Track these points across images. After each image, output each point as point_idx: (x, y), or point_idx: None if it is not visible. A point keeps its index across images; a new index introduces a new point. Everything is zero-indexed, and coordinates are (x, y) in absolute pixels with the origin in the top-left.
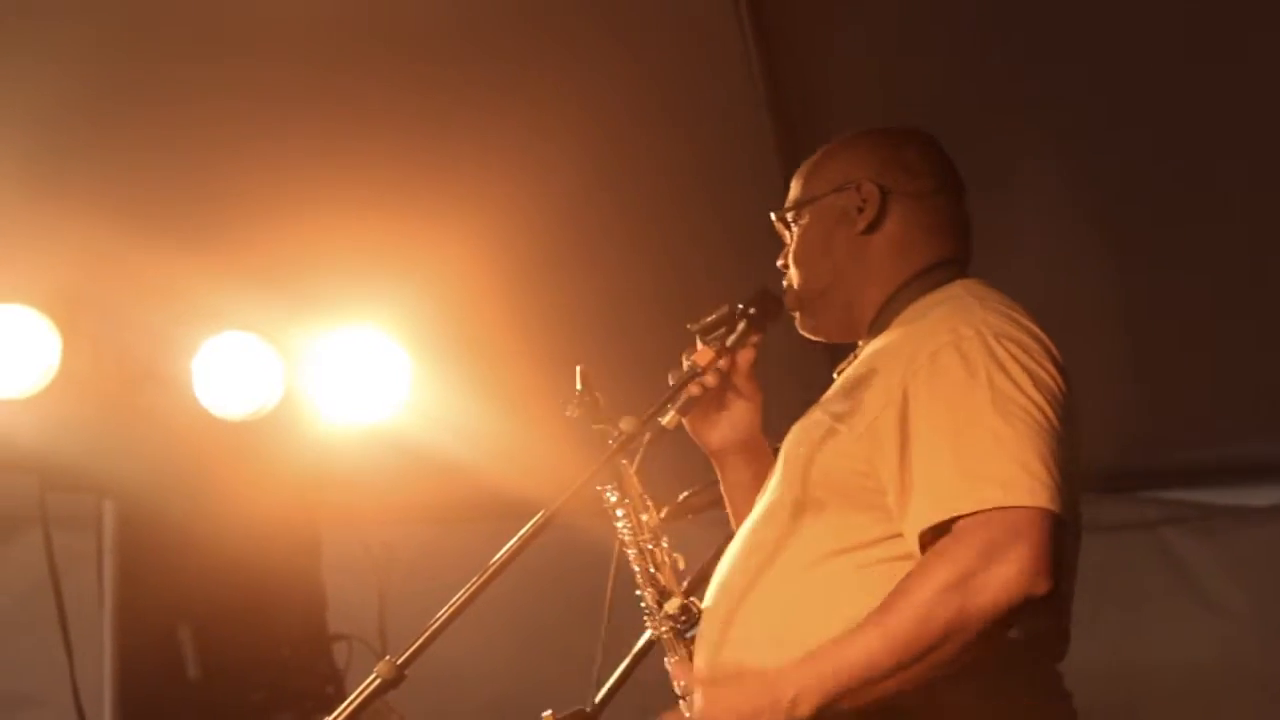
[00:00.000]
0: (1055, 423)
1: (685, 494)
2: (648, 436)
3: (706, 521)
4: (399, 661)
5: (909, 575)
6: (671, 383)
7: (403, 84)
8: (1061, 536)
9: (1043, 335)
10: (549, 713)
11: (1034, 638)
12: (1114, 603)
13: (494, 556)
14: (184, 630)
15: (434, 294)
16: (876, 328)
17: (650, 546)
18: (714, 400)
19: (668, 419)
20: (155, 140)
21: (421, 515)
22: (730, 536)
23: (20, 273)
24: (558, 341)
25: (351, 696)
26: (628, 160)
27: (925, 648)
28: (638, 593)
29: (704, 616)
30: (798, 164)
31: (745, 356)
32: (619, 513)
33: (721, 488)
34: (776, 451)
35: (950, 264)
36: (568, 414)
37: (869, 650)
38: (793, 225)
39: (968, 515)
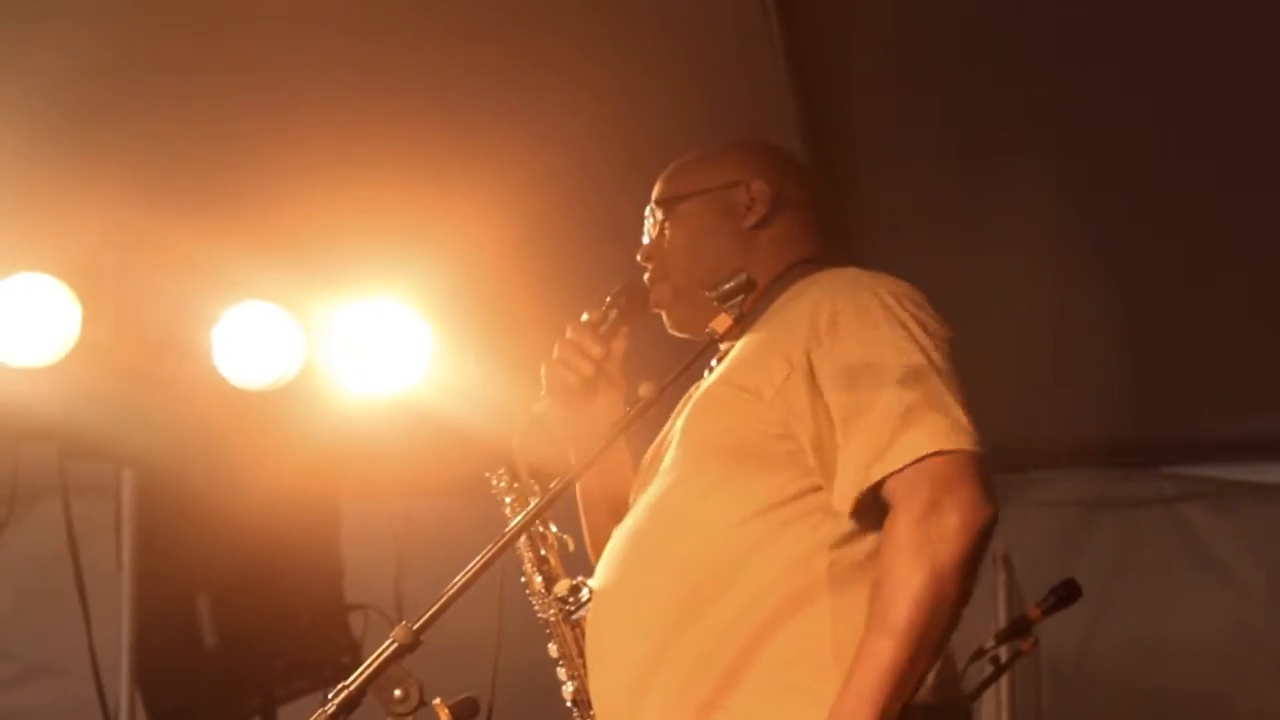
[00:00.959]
0: (952, 367)
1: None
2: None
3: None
4: (415, 626)
5: (879, 568)
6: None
7: (426, 53)
8: (986, 468)
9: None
10: (438, 700)
11: None
12: (1132, 577)
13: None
14: (202, 599)
15: (455, 265)
16: (750, 317)
17: (539, 529)
18: (585, 387)
19: (540, 406)
20: (177, 110)
21: (440, 486)
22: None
23: (41, 242)
24: (578, 312)
25: (368, 660)
26: (651, 132)
27: (927, 622)
28: (523, 578)
29: (595, 597)
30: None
31: (618, 345)
32: (507, 499)
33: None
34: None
35: (818, 261)
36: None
37: (886, 657)
38: (666, 221)
39: (896, 472)
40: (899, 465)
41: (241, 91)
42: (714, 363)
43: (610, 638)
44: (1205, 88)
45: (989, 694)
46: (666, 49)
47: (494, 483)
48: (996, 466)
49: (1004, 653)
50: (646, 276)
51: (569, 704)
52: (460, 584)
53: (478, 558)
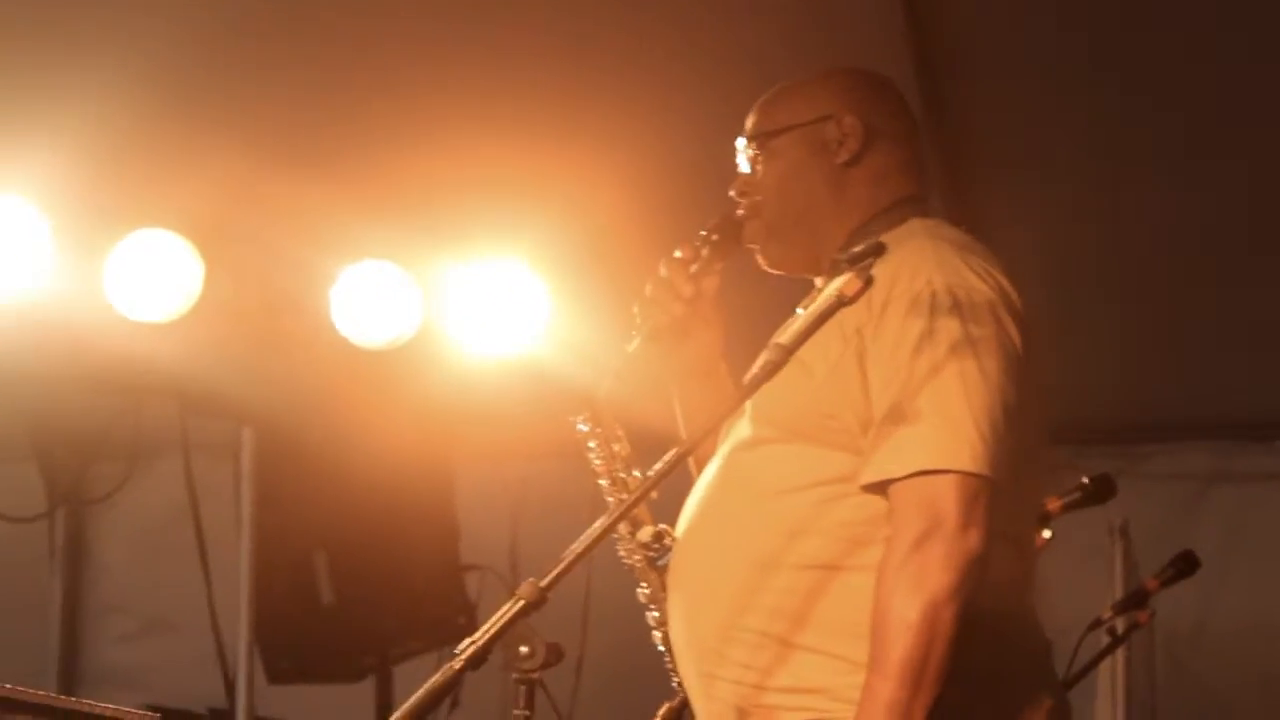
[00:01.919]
0: (998, 377)
1: None
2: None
3: None
4: (542, 584)
5: (875, 596)
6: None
7: (546, 11)
8: (987, 493)
9: (1001, 281)
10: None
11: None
12: (1247, 552)
13: None
14: (319, 557)
15: (574, 224)
16: (836, 265)
17: (623, 475)
18: (678, 327)
19: (632, 346)
20: (297, 70)
21: (556, 449)
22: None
23: (166, 199)
24: (665, 257)
25: (496, 616)
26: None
27: (923, 658)
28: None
29: (676, 545)
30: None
31: (711, 283)
32: (591, 444)
33: (679, 416)
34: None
35: (913, 201)
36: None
37: (884, 696)
38: (759, 154)
39: (899, 480)
40: (899, 474)
41: (362, 52)
42: (799, 309)
43: (689, 588)
44: None
45: (1105, 665)
46: (789, 7)
47: (578, 428)
48: (1114, 439)
49: (1120, 624)
50: (740, 211)
51: (660, 648)
52: (587, 543)
53: (604, 516)
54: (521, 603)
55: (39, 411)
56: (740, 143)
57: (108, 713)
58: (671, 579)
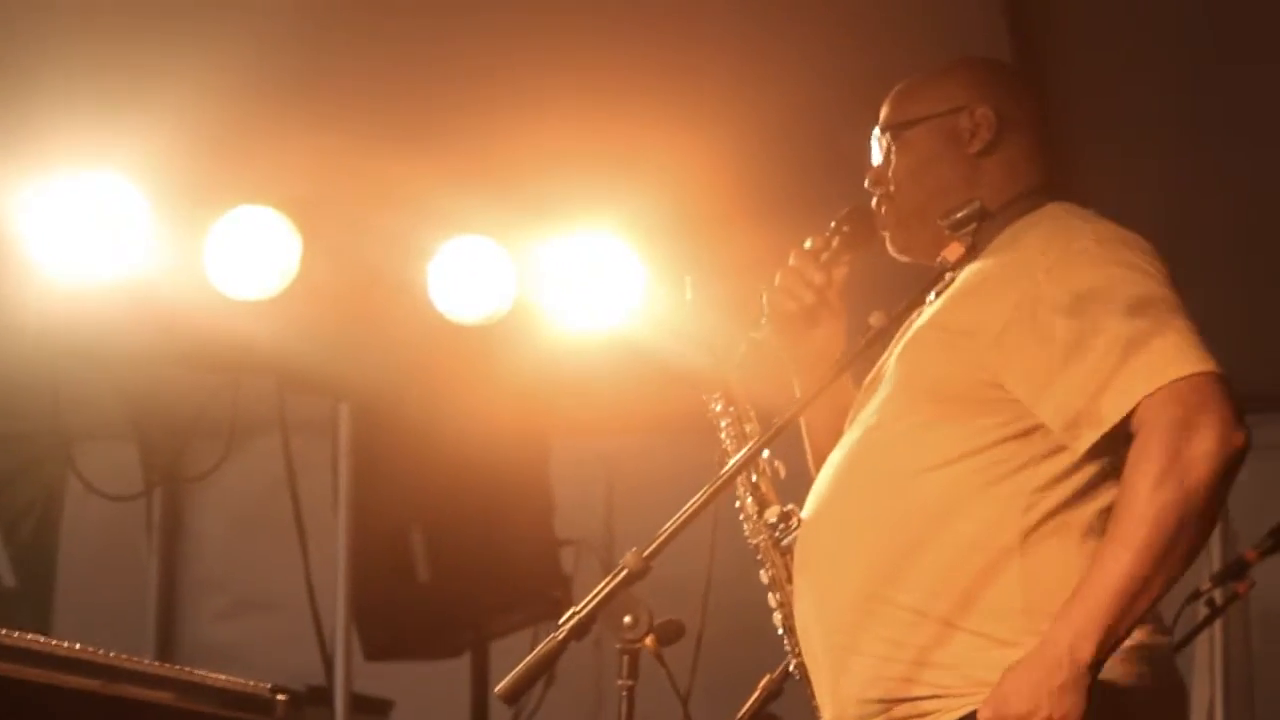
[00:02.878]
0: (1181, 301)
1: None
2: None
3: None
4: (645, 554)
5: (1123, 486)
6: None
7: None
8: (1233, 392)
9: (1147, 243)
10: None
11: None
12: None
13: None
14: (415, 533)
15: (669, 198)
16: (976, 247)
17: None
18: (806, 315)
19: (760, 333)
20: (394, 47)
21: (651, 424)
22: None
23: (264, 177)
24: (793, 245)
25: (600, 585)
26: (870, 65)
27: (1169, 543)
28: (736, 502)
29: (804, 526)
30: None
31: (839, 273)
32: (723, 422)
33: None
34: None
35: (1044, 190)
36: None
37: (1123, 570)
38: (892, 146)
39: (1148, 396)
40: (1148, 391)
41: (457, 28)
42: (932, 295)
43: (818, 567)
44: None
45: (1203, 637)
46: None
47: (711, 407)
48: None
49: (1219, 595)
50: (874, 201)
51: (779, 631)
52: (688, 513)
53: (705, 487)
54: (625, 571)
55: (137, 390)
56: (875, 134)
57: (224, 684)
58: (799, 559)
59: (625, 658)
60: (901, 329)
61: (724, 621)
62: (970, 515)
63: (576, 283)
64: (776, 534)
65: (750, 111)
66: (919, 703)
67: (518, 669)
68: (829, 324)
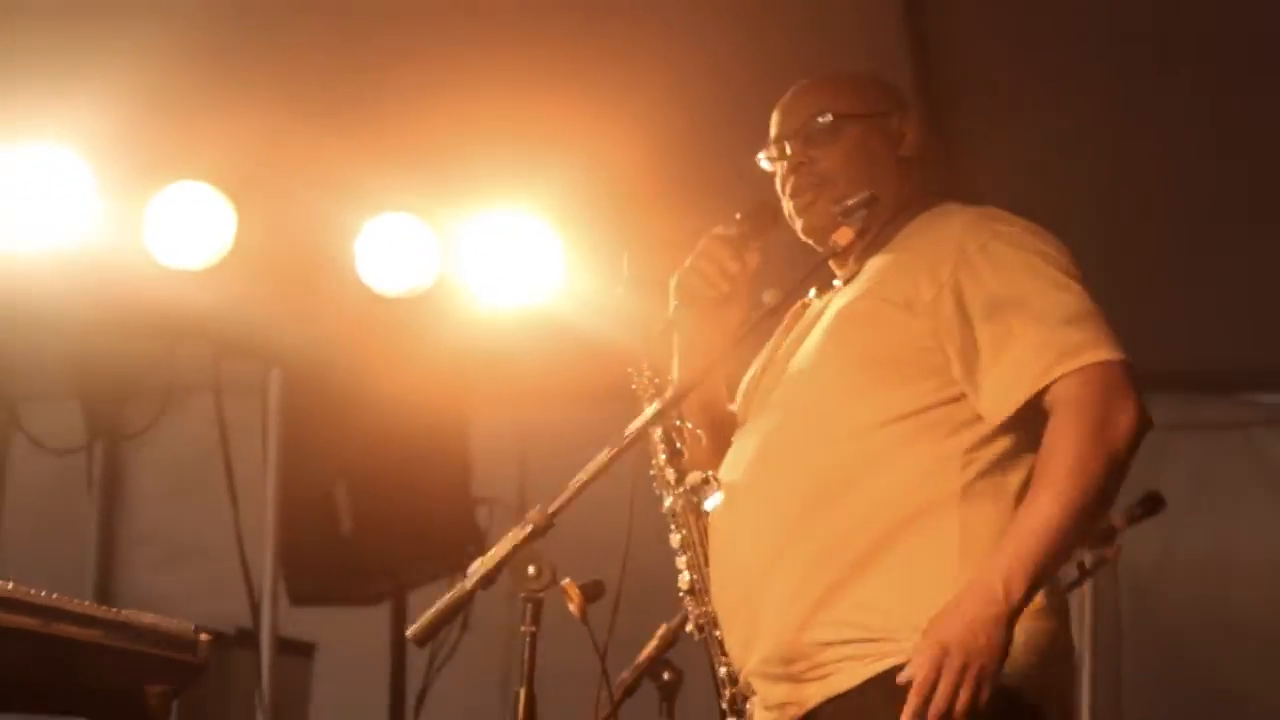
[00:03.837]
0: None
1: None
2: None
3: None
4: (550, 510)
5: (1051, 437)
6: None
7: None
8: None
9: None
10: (568, 580)
11: None
12: (1209, 499)
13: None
14: (340, 488)
15: (588, 177)
16: (881, 238)
17: (675, 424)
18: (718, 298)
19: (673, 313)
20: (325, 29)
21: (567, 396)
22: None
23: (201, 152)
24: (710, 224)
25: (504, 539)
26: (781, 47)
27: (1094, 494)
28: (653, 471)
29: (726, 488)
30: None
31: (752, 260)
32: (646, 394)
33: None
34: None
35: (940, 194)
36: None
37: (1049, 515)
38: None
39: (1070, 374)
40: (1072, 368)
41: (384, 10)
42: (837, 282)
43: (737, 529)
44: None
45: (1072, 597)
46: None
47: (634, 378)
48: None
49: (1088, 559)
50: (790, 178)
51: (682, 593)
52: (592, 473)
53: (607, 449)
54: (530, 527)
55: (80, 352)
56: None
57: (152, 624)
58: (716, 521)
59: (529, 605)
60: (803, 316)
61: (642, 580)
62: (906, 466)
63: (497, 259)
64: (695, 498)
65: (669, 93)
66: (827, 649)
67: (428, 614)
68: (734, 310)
